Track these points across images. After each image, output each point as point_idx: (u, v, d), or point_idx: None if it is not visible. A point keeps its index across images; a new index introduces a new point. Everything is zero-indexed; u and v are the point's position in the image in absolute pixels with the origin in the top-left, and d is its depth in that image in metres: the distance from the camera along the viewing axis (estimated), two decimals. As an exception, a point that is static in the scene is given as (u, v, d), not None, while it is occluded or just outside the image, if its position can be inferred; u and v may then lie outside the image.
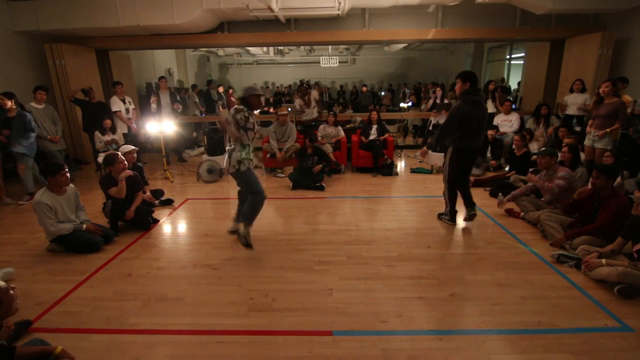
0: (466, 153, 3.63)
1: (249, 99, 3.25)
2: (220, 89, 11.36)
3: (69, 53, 6.55)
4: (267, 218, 4.27)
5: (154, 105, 6.52)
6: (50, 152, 5.46)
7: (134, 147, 4.45)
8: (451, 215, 3.89)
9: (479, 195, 4.83)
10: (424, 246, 3.41)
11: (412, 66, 16.15)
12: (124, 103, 6.42)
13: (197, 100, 8.93)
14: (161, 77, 6.82)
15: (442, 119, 7.05)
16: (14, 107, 4.75)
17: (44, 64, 6.53)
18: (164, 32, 6.74)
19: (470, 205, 3.83)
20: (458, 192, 3.85)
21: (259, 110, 4.16)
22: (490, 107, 6.72)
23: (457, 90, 3.53)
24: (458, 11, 6.79)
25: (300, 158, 5.46)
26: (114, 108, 6.31)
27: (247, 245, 3.23)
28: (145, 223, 3.89)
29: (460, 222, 3.94)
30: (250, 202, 3.30)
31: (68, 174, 3.29)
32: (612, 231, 2.98)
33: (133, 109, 6.57)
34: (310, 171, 5.34)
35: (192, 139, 8.34)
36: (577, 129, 5.55)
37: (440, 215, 4.05)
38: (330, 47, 14.20)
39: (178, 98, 6.90)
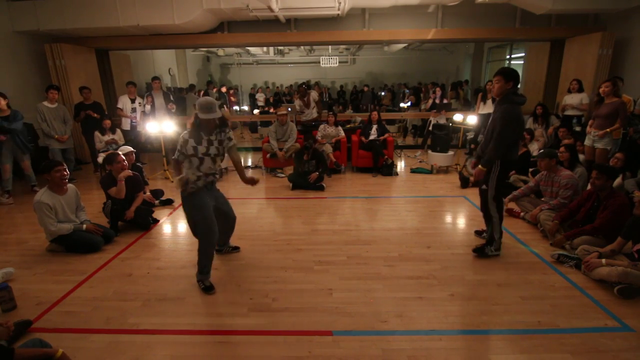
0: (508, 165, 3.01)
1: (202, 123, 2.55)
2: (224, 89, 11.36)
3: (69, 53, 6.55)
4: (267, 218, 4.28)
5: (148, 107, 6.52)
6: (54, 150, 5.53)
7: (131, 149, 4.46)
8: (499, 243, 3.19)
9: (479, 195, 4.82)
10: (424, 246, 3.41)
11: (412, 66, 16.14)
12: (133, 103, 6.45)
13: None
14: (154, 78, 6.81)
15: (441, 119, 7.05)
16: (7, 108, 4.80)
17: (44, 64, 6.54)
18: (164, 32, 6.74)
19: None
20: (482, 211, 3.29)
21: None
22: (491, 107, 6.72)
23: (497, 90, 2.88)
24: (458, 11, 6.79)
25: (297, 162, 5.40)
26: (118, 105, 6.41)
27: (206, 288, 2.70)
28: (145, 223, 3.89)
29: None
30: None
31: (65, 172, 3.29)
32: (611, 231, 2.97)
33: (142, 111, 6.57)
34: (308, 174, 5.27)
35: None
36: (577, 129, 5.55)
37: (483, 251, 3.20)
38: (330, 47, 14.21)
39: (172, 98, 6.89)
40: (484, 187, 3.14)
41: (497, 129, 2.87)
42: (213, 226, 2.66)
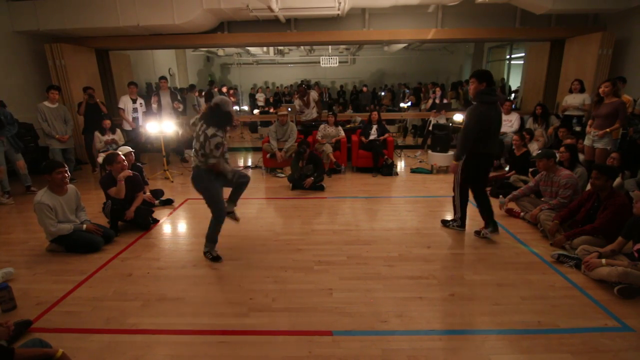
0: (483, 157, 3.36)
1: (224, 116, 2.89)
2: (224, 89, 11.37)
3: (69, 53, 6.55)
4: (267, 218, 4.28)
5: (154, 105, 6.53)
6: (55, 150, 5.55)
7: (131, 150, 4.46)
8: (462, 221, 3.70)
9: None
10: (424, 246, 3.41)
11: (412, 66, 16.15)
12: (134, 103, 6.45)
13: (196, 102, 8.78)
14: (162, 77, 6.85)
15: (441, 119, 7.05)
16: None
17: (44, 64, 6.54)
18: (164, 32, 6.74)
19: (492, 221, 3.52)
20: (476, 203, 3.61)
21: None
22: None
23: (472, 91, 3.28)
24: (458, 11, 6.79)
25: (294, 167, 5.34)
26: (120, 105, 6.41)
27: (214, 259, 3.17)
28: (145, 223, 3.89)
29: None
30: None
31: (66, 173, 3.29)
32: (611, 231, 2.97)
33: (143, 112, 6.58)
34: (306, 176, 5.23)
35: (192, 139, 8.32)
36: (577, 129, 5.55)
37: (447, 222, 3.82)
38: (330, 47, 14.21)
39: (179, 97, 6.93)
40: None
41: (464, 123, 3.33)
42: (223, 205, 3.21)
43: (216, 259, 3.17)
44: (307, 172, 5.28)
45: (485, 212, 3.54)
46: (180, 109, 6.85)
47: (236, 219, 3.40)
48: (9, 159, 4.89)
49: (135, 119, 6.49)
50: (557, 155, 3.98)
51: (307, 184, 5.13)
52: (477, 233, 3.63)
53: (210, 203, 3.11)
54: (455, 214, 3.76)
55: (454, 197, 3.73)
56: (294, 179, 5.27)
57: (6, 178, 4.88)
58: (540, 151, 3.80)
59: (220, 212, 3.14)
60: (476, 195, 3.56)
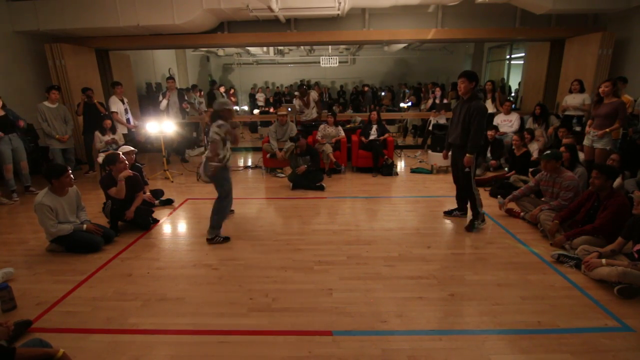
0: (479, 149, 3.76)
1: (222, 113, 3.51)
2: (222, 89, 11.39)
3: (69, 53, 6.55)
4: (267, 218, 4.28)
5: (165, 101, 6.52)
6: (55, 151, 5.57)
7: (132, 149, 4.47)
8: (482, 215, 3.77)
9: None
10: (424, 246, 3.41)
11: (412, 66, 16.15)
12: (123, 104, 6.44)
13: (194, 101, 8.78)
14: (169, 78, 6.90)
15: (441, 119, 7.05)
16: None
17: (44, 64, 6.53)
18: (164, 32, 6.74)
19: (464, 208, 3.95)
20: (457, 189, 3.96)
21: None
22: (490, 107, 6.72)
23: (463, 89, 3.49)
24: (458, 11, 6.79)
25: (291, 160, 5.36)
26: (113, 108, 6.33)
27: (224, 239, 3.61)
28: (145, 223, 3.89)
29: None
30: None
31: (72, 175, 3.30)
32: (611, 231, 2.98)
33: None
34: (307, 172, 5.28)
35: (192, 139, 8.33)
36: (577, 129, 5.55)
37: (471, 227, 3.71)
38: (330, 47, 14.20)
39: (186, 98, 6.97)
40: (467, 169, 3.61)
41: (476, 120, 3.43)
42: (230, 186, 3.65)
43: (226, 239, 3.55)
44: (304, 163, 5.32)
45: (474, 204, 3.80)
46: (188, 109, 6.91)
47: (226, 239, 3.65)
48: (16, 158, 4.88)
49: (127, 120, 6.47)
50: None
51: (299, 171, 5.19)
52: (448, 213, 4.02)
53: (226, 190, 3.63)
54: (478, 207, 3.71)
55: (472, 197, 3.71)
56: (295, 178, 5.28)
57: (12, 177, 4.88)
58: (548, 152, 3.76)
59: (230, 196, 3.68)
60: (467, 187, 3.78)
